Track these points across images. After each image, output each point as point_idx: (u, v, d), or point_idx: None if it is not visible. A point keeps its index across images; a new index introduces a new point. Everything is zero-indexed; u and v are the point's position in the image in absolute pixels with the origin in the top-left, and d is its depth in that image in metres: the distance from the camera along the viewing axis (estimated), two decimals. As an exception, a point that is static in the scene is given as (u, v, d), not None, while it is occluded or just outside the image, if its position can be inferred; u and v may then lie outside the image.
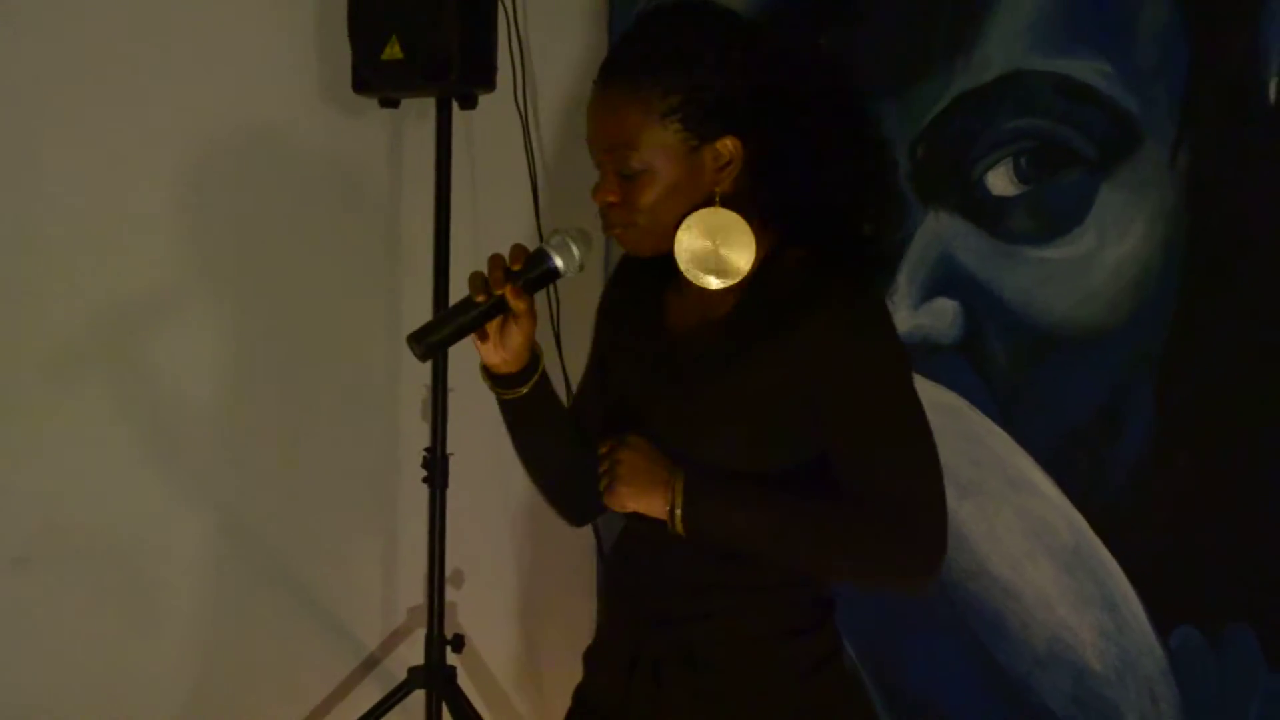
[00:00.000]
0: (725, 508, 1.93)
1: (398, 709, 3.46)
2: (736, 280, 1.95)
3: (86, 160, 3.13)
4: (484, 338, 2.00)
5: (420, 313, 3.37)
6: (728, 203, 1.95)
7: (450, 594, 3.53)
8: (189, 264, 3.32)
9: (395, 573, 3.73)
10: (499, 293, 1.95)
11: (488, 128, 3.56)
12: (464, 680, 3.53)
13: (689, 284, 2.01)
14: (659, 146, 1.92)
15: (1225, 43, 2.41)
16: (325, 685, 3.65)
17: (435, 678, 3.43)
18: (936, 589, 2.88)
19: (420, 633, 3.52)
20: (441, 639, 3.45)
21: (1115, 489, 2.59)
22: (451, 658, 3.49)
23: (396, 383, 3.60)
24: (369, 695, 3.56)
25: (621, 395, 2.11)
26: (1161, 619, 2.54)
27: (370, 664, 3.69)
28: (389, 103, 3.42)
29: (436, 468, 3.39)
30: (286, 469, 3.53)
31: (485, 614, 3.77)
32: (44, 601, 3.19)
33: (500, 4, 3.27)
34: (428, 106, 3.42)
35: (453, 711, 3.40)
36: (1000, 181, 2.73)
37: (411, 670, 3.49)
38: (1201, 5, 2.46)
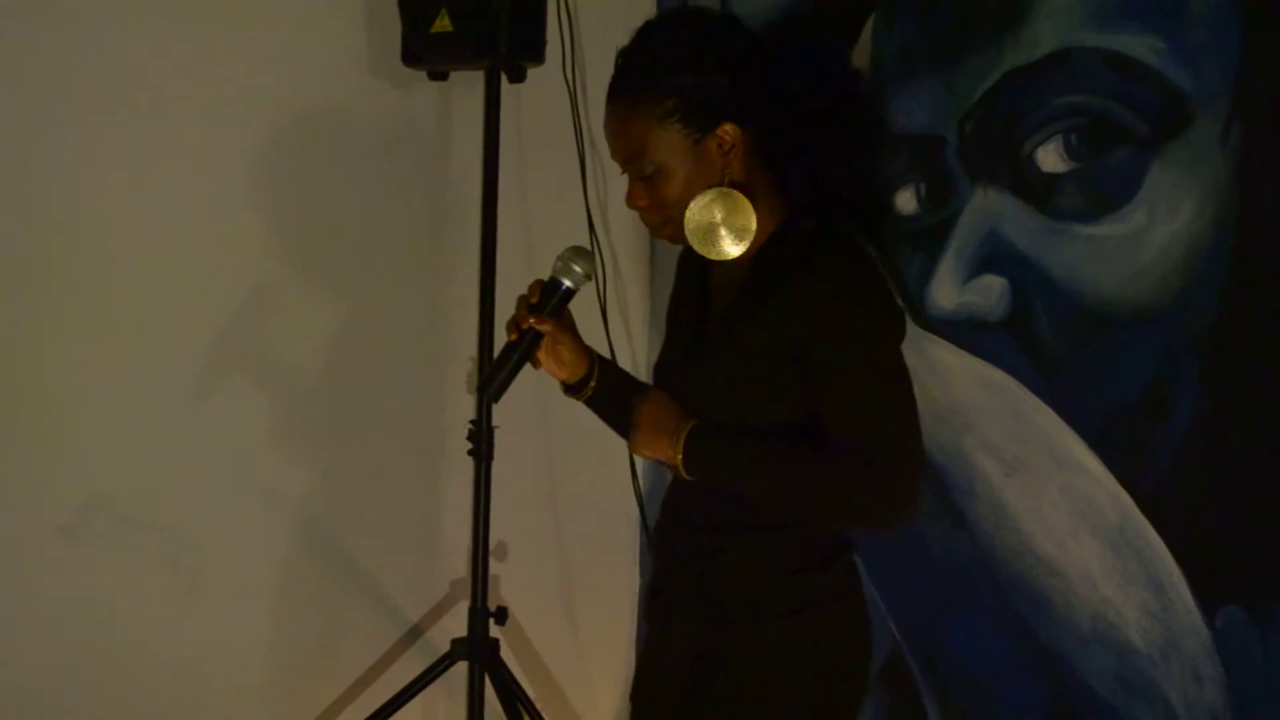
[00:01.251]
0: (720, 455, 2.25)
1: (440, 680, 3.49)
2: (733, 254, 2.25)
3: (136, 139, 3.16)
4: (536, 365, 2.42)
5: (468, 285, 3.40)
6: (741, 185, 2.25)
7: (494, 567, 3.55)
8: (237, 239, 3.34)
9: (439, 545, 3.75)
10: (526, 326, 2.37)
11: (536, 101, 3.57)
12: (506, 653, 3.55)
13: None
14: (666, 147, 2.23)
15: (1278, 18, 2.39)
16: (369, 656, 3.68)
17: (478, 650, 3.46)
18: (981, 566, 2.88)
19: (463, 605, 3.55)
20: (485, 611, 3.47)
21: (1162, 468, 2.58)
22: (495, 630, 3.51)
23: (442, 355, 3.62)
24: (412, 667, 3.59)
25: (665, 354, 2.49)
26: (1207, 598, 2.53)
27: (413, 635, 3.72)
28: (438, 76, 3.44)
29: (483, 440, 3.41)
30: (331, 441, 3.55)
31: (528, 587, 3.79)
32: (88, 570, 3.22)
33: (549, -23, 3.28)
34: (476, 80, 3.44)
35: (495, 683, 3.42)
36: (1050, 158, 2.71)
37: (454, 642, 3.52)
38: (1256, -20, 2.43)
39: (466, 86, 3.56)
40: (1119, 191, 2.61)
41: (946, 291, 2.92)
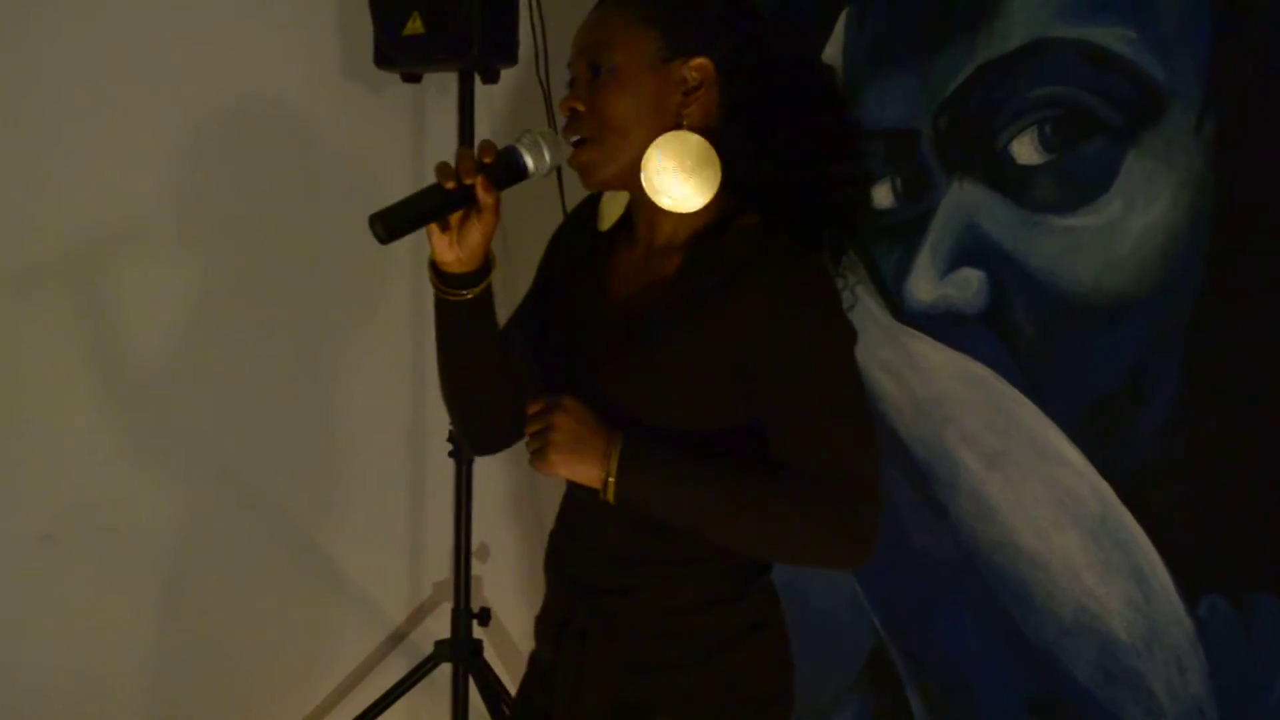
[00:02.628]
0: (658, 483, 1.92)
1: (424, 682, 3.48)
2: (688, 209, 1.96)
3: (100, 137, 3.14)
4: (445, 228, 1.99)
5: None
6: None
7: (476, 568, 3.55)
8: (210, 243, 3.33)
9: (421, 547, 3.75)
10: (469, 181, 1.96)
11: (510, 102, 3.56)
12: (490, 653, 3.55)
13: (637, 241, 2.07)
14: (633, 50, 1.96)
15: (1250, 7, 2.39)
16: (352, 659, 3.67)
17: (461, 651, 3.46)
18: (964, 559, 2.88)
19: (446, 606, 3.55)
20: (468, 613, 3.47)
21: (1142, 458, 2.58)
22: (478, 631, 3.51)
23: (422, 358, 3.61)
24: (396, 669, 3.59)
25: (559, 348, 2.13)
26: (1189, 588, 2.53)
27: (397, 638, 3.72)
28: (411, 78, 3.42)
29: (461, 441, 3.40)
30: (312, 444, 3.54)
31: (511, 588, 3.79)
32: (71, 578, 3.21)
33: (523, -22, 3.27)
34: (450, 81, 3.43)
35: (479, 684, 3.42)
36: (1025, 150, 2.72)
37: (438, 644, 3.52)
38: (1227, -31, 2.44)
39: (440, 88, 3.55)
40: (1095, 182, 2.61)
41: (924, 285, 2.92)
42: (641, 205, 2.03)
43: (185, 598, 3.40)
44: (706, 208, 1.98)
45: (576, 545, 2.14)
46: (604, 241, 2.14)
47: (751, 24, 2.03)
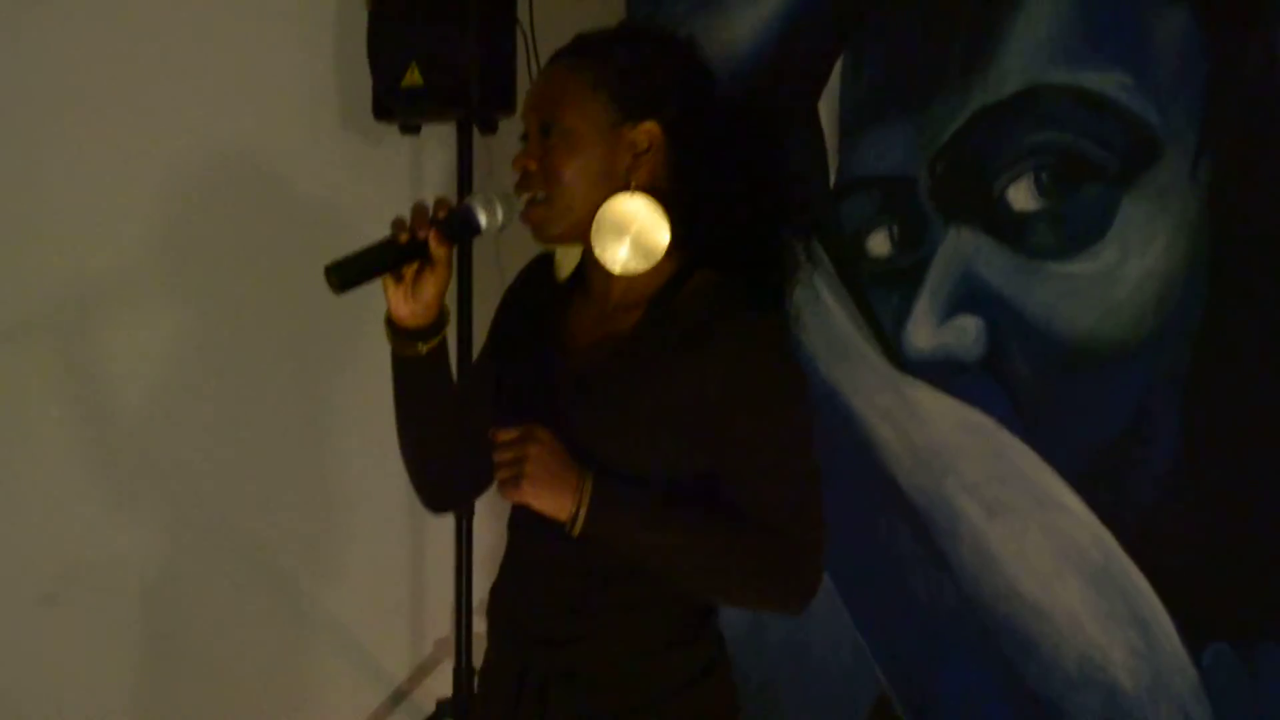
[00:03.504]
0: (626, 521, 1.97)
1: (426, 740, 3.45)
2: (638, 272, 2.00)
3: (98, 187, 3.15)
4: (399, 280, 2.03)
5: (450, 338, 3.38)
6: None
7: (478, 625, 3.51)
8: (207, 294, 3.33)
9: (422, 604, 3.73)
10: (422, 235, 1.99)
11: (508, 152, 3.56)
12: (492, 710, 3.52)
13: (594, 293, 2.10)
14: (584, 111, 2.00)
15: (1244, 52, 2.39)
16: (354, 718, 3.64)
17: (463, 709, 3.42)
18: (966, 609, 2.86)
19: (448, 664, 3.52)
20: (469, 670, 3.44)
21: (1143, 506, 2.57)
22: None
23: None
24: (397, 728, 3.56)
25: (515, 398, 2.15)
26: (1193, 637, 2.51)
27: (399, 697, 3.69)
28: (410, 129, 3.43)
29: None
30: (310, 500, 3.53)
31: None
32: (71, 638, 3.20)
33: (519, 29, 3.28)
34: (448, 132, 3.43)
35: (480, 742, 3.39)
36: (1021, 196, 2.71)
37: (440, 702, 3.49)
38: (1220, 15, 2.44)
39: (438, 140, 3.55)
40: (1091, 228, 2.61)
41: (923, 333, 2.91)
42: (595, 262, 2.05)
43: (184, 657, 3.39)
44: (661, 265, 2.01)
45: (527, 596, 2.14)
46: (560, 295, 2.18)
47: (700, 89, 2.07)
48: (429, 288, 2.04)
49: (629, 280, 2.05)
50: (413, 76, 3.22)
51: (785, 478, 1.99)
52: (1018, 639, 2.79)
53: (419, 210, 2.02)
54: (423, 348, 2.11)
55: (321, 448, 3.54)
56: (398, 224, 2.02)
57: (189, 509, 3.36)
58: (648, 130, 2.01)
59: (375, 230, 3.22)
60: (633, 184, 2.00)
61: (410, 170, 3.59)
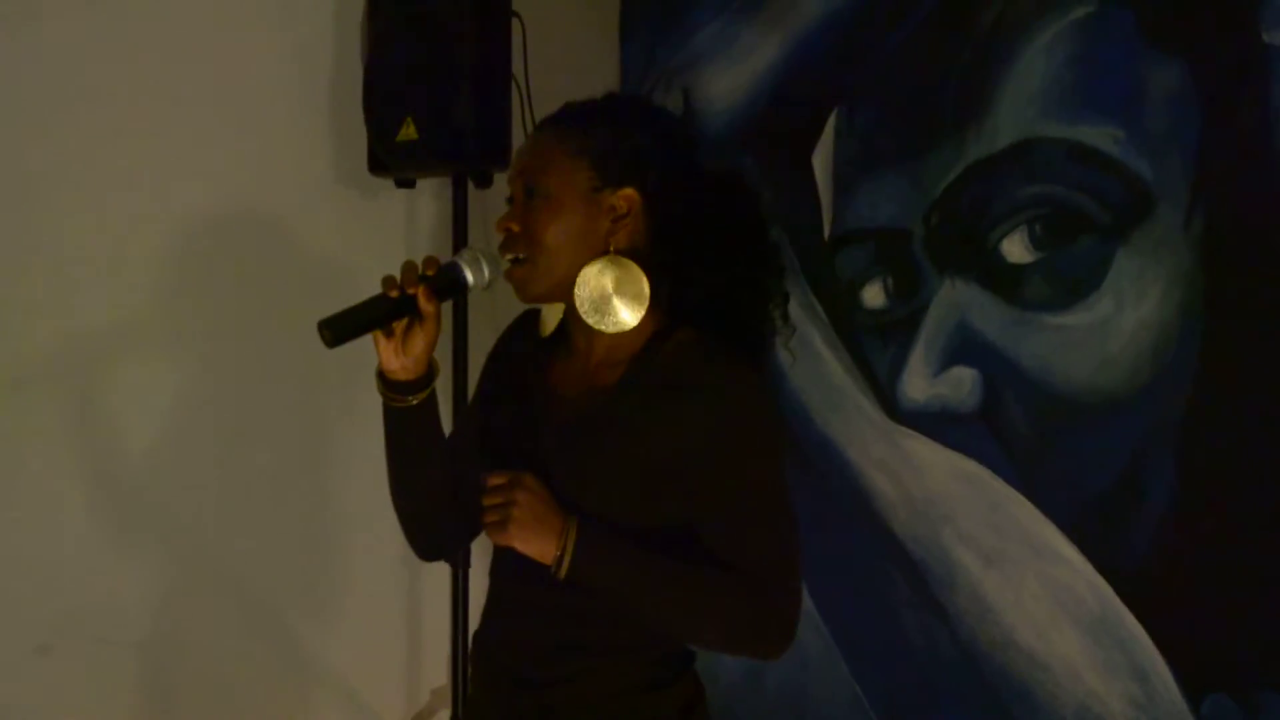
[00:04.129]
0: (609, 565, 2.03)
1: (422, 791, 3.44)
2: (629, 323, 2.07)
3: (98, 242, 3.15)
4: (389, 335, 2.11)
5: (440, 392, 3.39)
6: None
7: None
8: (203, 347, 3.33)
9: (419, 654, 3.72)
10: (411, 291, 2.07)
11: (503, 206, 3.57)
12: (488, 761, 3.50)
13: (577, 350, 2.17)
14: (565, 178, 2.07)
15: (1236, 106, 2.41)
16: (350, 769, 3.63)
17: (460, 758, 3.41)
18: (964, 659, 2.86)
19: (445, 714, 3.52)
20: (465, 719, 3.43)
21: (1140, 555, 2.57)
22: (476, 738, 3.47)
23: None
24: (394, 778, 3.54)
25: (502, 448, 2.20)
26: (1192, 687, 2.51)
27: (395, 746, 3.68)
28: (405, 183, 3.44)
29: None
30: (308, 550, 3.53)
31: (509, 693, 3.75)
32: (66, 689, 3.18)
33: (514, 84, 3.29)
34: (443, 185, 3.44)
35: (478, 793, 3.38)
36: (1015, 249, 2.73)
37: (436, 751, 3.48)
38: (1212, 69, 2.46)
39: (433, 193, 3.57)
40: (1085, 280, 2.63)
41: (918, 384, 2.93)
42: (577, 321, 2.12)
43: (180, 707, 3.37)
44: (642, 324, 2.09)
45: (511, 640, 2.19)
46: (544, 350, 2.23)
47: (679, 157, 2.14)
48: (418, 342, 2.11)
49: (611, 339, 2.11)
50: (408, 131, 3.23)
51: (763, 528, 2.04)
52: (1015, 688, 2.80)
53: (409, 267, 2.09)
54: (413, 400, 2.18)
55: (319, 498, 3.54)
56: (388, 281, 2.09)
57: (186, 559, 3.36)
58: (626, 196, 2.07)
59: (371, 282, 3.23)
60: (611, 247, 2.07)
61: (405, 224, 3.60)
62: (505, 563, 2.15)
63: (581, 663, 2.12)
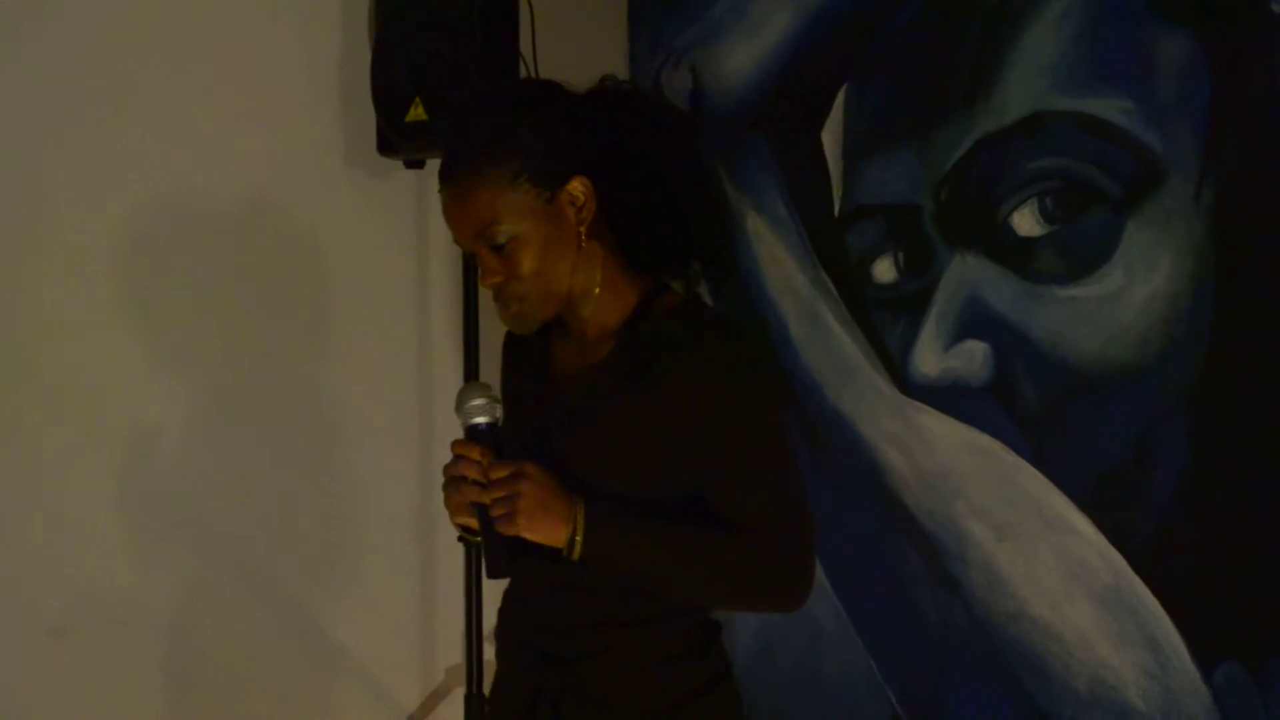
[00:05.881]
0: (620, 541, 2.05)
1: (438, 769, 3.45)
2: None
3: (106, 230, 3.16)
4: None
5: (452, 371, 3.41)
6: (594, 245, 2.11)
7: (488, 652, 3.51)
8: (219, 328, 3.34)
9: (433, 632, 3.73)
10: (497, 512, 2.04)
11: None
12: (504, 739, 3.51)
13: (572, 331, 2.18)
14: (518, 210, 2.05)
15: (1245, 76, 2.42)
16: (365, 748, 3.64)
17: (475, 736, 3.42)
18: (977, 632, 2.87)
19: (459, 692, 3.52)
20: (480, 698, 3.44)
21: (1152, 526, 2.58)
22: (491, 716, 3.47)
23: (430, 442, 3.61)
24: (409, 756, 3.55)
25: (514, 437, 2.18)
26: (1204, 656, 2.52)
27: (409, 725, 3.69)
28: (414, 164, 3.44)
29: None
30: (322, 531, 3.54)
31: (524, 671, 3.75)
32: (81, 671, 3.19)
33: (522, 62, 3.29)
34: (453, 165, 3.45)
35: (494, 770, 3.39)
36: (1026, 222, 2.74)
37: (452, 730, 3.49)
38: (1221, 39, 2.46)
39: (443, 173, 3.58)
40: (1096, 253, 2.63)
41: (929, 358, 2.93)
42: (568, 308, 2.14)
43: (194, 688, 3.38)
44: (625, 295, 2.12)
45: (537, 616, 2.22)
46: (543, 337, 2.25)
47: (604, 127, 2.11)
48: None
49: (600, 315, 2.13)
50: (417, 111, 3.23)
51: (769, 482, 2.06)
52: (1028, 660, 2.81)
53: (472, 491, 2.04)
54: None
55: (332, 477, 3.55)
56: (471, 511, 2.06)
57: (198, 539, 3.37)
58: (575, 187, 2.06)
59: (380, 265, 3.25)
60: (584, 235, 2.07)
61: (415, 204, 3.60)
62: (523, 542, 2.12)
63: (610, 636, 2.13)
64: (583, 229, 2.07)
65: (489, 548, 2.07)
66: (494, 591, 3.41)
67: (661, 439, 2.05)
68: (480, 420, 2.09)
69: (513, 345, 2.35)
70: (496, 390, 2.15)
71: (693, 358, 2.03)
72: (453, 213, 2.10)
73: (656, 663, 2.14)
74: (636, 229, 2.11)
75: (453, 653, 3.69)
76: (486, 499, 2.04)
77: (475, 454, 2.05)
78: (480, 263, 2.10)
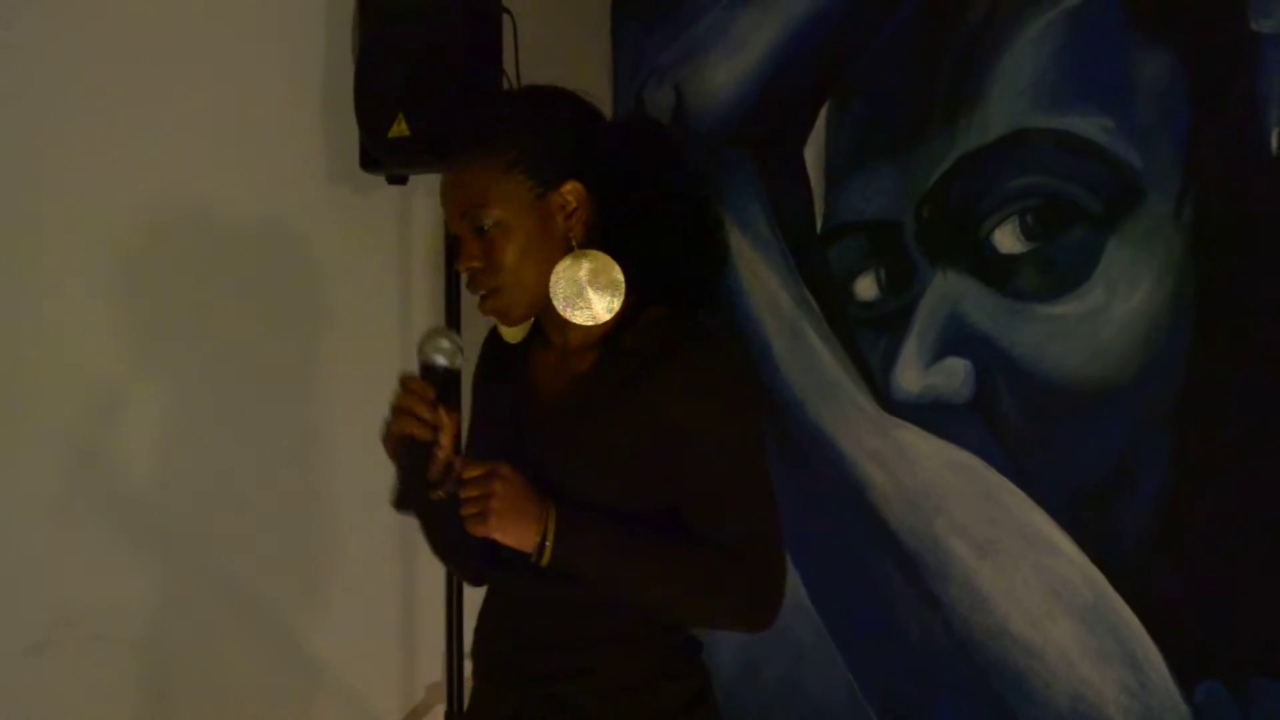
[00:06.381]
0: (591, 547, 2.03)
1: (418, 787, 3.44)
2: (604, 316, 2.07)
3: (87, 242, 3.15)
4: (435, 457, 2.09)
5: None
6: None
7: (469, 669, 3.51)
8: (196, 343, 3.33)
9: (414, 650, 3.72)
10: (433, 422, 2.06)
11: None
12: (485, 756, 3.51)
13: (553, 342, 2.18)
14: (508, 198, 2.05)
15: (1225, 94, 2.42)
16: (346, 765, 3.63)
17: (456, 755, 3.42)
18: (958, 649, 2.87)
19: (440, 709, 3.52)
20: (461, 715, 3.43)
21: (1133, 544, 2.58)
22: (472, 734, 3.47)
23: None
24: (390, 774, 3.54)
25: (489, 444, 2.21)
26: (1185, 674, 2.52)
27: (390, 742, 3.68)
28: (397, 179, 3.44)
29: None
30: (303, 547, 3.53)
31: (505, 688, 3.75)
32: (59, 688, 3.18)
33: (505, 78, 3.30)
34: (435, 182, 3.44)
35: (474, 788, 3.38)
36: (1007, 239, 2.74)
37: (432, 747, 3.48)
38: (1201, 58, 2.47)
39: (426, 189, 3.57)
40: (1077, 270, 2.64)
41: (911, 375, 2.93)
42: (550, 317, 2.12)
43: (175, 704, 3.37)
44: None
45: (516, 635, 2.19)
46: (522, 347, 2.24)
47: (598, 131, 2.13)
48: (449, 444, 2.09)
49: (583, 327, 2.11)
50: (399, 127, 3.23)
51: (743, 498, 2.05)
52: (1009, 678, 2.80)
53: (414, 402, 2.07)
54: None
55: (313, 495, 3.54)
56: (409, 425, 2.07)
57: (179, 554, 3.36)
58: (570, 190, 2.07)
59: (363, 280, 3.24)
60: (573, 243, 2.07)
61: (397, 220, 3.60)
62: (499, 558, 2.14)
63: (591, 656, 2.12)
64: (572, 236, 2.07)
65: (402, 480, 2.07)
66: (475, 609, 3.41)
67: (639, 451, 2.04)
68: (440, 360, 2.09)
69: (489, 356, 2.34)
70: (453, 342, 2.11)
71: (672, 371, 2.02)
72: (447, 188, 2.12)
73: (638, 683, 2.12)
74: (628, 250, 2.08)
75: (433, 670, 3.69)
76: (426, 433, 2.04)
77: (427, 392, 2.06)
78: (461, 246, 2.10)
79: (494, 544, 2.05)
